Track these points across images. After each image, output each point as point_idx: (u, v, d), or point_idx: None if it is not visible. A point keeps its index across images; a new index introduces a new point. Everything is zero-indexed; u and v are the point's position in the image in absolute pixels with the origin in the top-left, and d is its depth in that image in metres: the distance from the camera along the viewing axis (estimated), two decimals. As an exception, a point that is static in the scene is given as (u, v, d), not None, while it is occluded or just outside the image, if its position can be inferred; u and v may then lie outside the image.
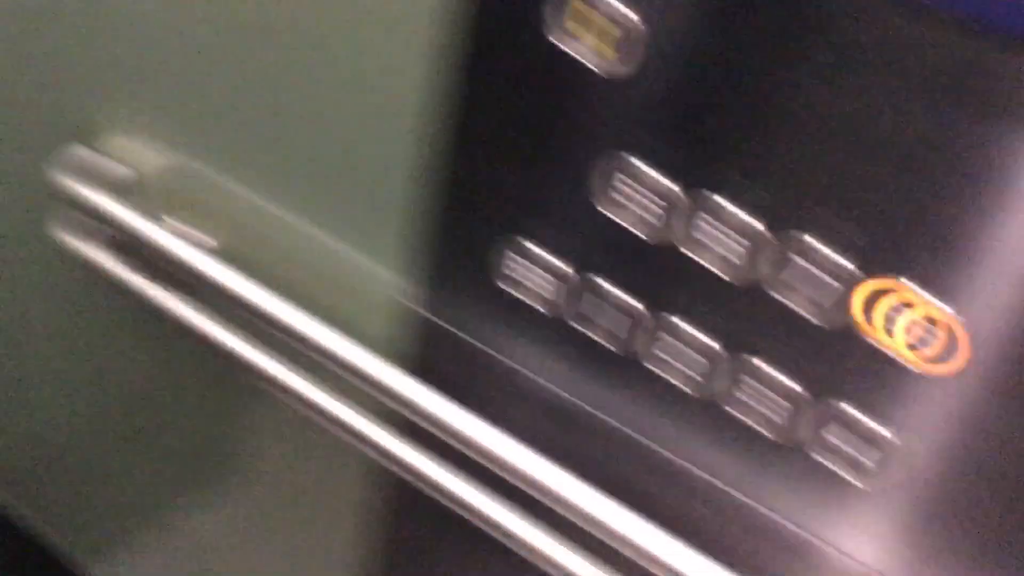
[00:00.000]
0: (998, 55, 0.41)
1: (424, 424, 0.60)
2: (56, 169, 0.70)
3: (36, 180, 0.73)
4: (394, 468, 0.64)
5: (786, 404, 0.51)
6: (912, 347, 0.47)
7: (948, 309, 0.45)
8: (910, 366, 0.47)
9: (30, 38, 0.74)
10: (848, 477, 0.51)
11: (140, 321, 0.79)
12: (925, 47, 0.42)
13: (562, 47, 0.50)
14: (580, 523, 0.57)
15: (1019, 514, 0.47)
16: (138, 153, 0.72)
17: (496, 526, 0.61)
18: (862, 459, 0.50)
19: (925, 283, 0.46)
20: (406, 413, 0.61)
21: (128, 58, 0.70)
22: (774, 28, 0.45)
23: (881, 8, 0.42)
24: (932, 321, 0.46)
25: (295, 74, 0.63)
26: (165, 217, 0.72)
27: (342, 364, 0.61)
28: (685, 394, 0.55)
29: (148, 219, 0.68)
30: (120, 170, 0.72)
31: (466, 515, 0.61)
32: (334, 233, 0.66)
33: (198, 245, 0.67)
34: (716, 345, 0.52)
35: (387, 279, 0.64)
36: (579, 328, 0.57)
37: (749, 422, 0.53)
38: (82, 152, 0.72)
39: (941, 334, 0.46)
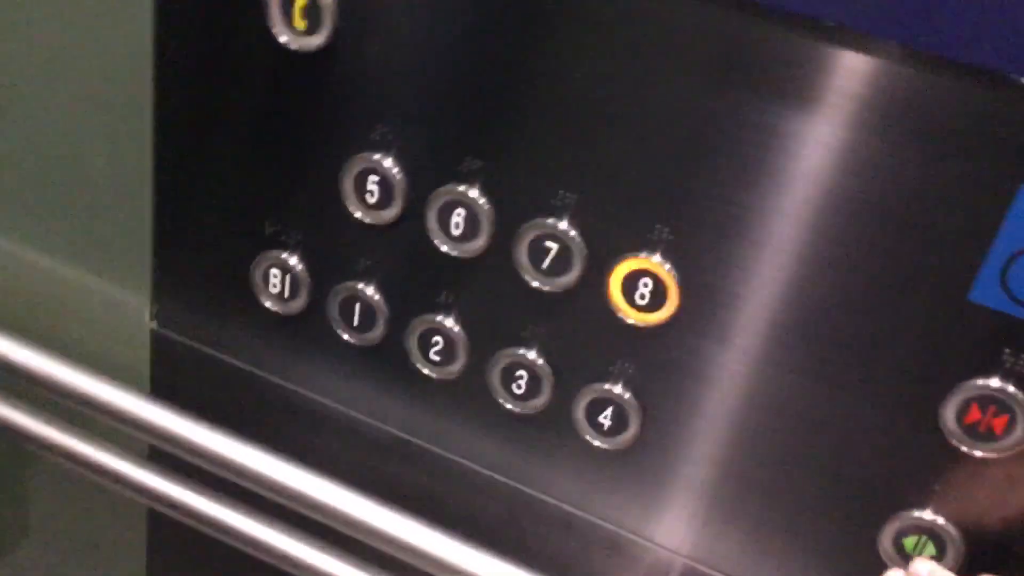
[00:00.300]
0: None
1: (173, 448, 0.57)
2: None
3: None
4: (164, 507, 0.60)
5: (537, 379, 0.53)
6: (635, 305, 0.48)
7: (666, 265, 0.47)
8: (632, 321, 0.48)
9: None
10: (599, 443, 0.52)
11: None
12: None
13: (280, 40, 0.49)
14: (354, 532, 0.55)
15: (756, 450, 0.50)
16: None
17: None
18: (606, 422, 0.52)
19: (646, 245, 0.47)
20: (154, 440, 0.58)
21: None
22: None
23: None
24: (650, 276, 0.47)
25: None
26: None
27: (84, 399, 0.57)
28: (440, 383, 0.55)
29: None
30: None
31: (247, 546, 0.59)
32: (73, 262, 0.61)
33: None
34: (461, 331, 0.53)
35: (136, 306, 0.61)
36: (347, 337, 0.56)
37: (506, 403, 0.53)
38: None
39: (656, 287, 0.47)
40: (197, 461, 0.57)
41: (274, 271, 0.56)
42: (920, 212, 0.42)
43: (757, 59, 0.42)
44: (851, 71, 0.41)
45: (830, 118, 0.42)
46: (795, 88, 0.42)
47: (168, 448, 0.58)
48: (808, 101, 0.42)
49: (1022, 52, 0.36)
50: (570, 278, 0.49)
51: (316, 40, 0.49)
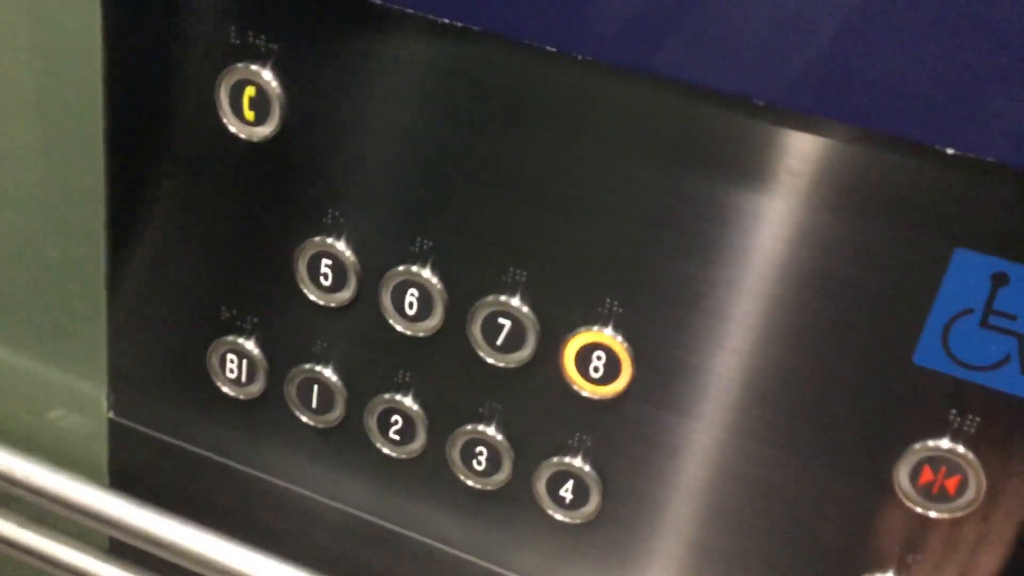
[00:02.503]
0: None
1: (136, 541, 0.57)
2: None
3: None
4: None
5: (496, 455, 0.53)
6: (589, 378, 0.48)
7: (618, 337, 0.47)
8: (587, 393, 0.49)
9: None
10: (561, 517, 0.52)
11: None
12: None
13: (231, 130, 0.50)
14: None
15: (717, 518, 0.51)
16: None
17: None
18: (568, 495, 0.52)
19: (597, 319, 0.48)
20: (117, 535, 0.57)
21: None
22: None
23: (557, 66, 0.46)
24: (603, 349, 0.48)
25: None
26: None
27: (44, 495, 0.57)
28: (401, 462, 0.55)
29: None
30: None
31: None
32: (28, 354, 0.61)
33: None
34: (419, 409, 0.53)
35: (92, 396, 0.60)
36: (306, 419, 0.56)
37: (468, 479, 0.53)
38: None
39: (609, 359, 0.48)
40: (159, 552, 0.56)
41: (231, 356, 0.56)
42: (865, 281, 0.43)
43: (705, 138, 0.43)
44: (795, 149, 0.42)
45: (776, 193, 0.43)
46: (742, 165, 0.43)
47: (129, 540, 0.57)
48: (755, 177, 0.43)
49: (945, 125, 0.38)
50: (524, 353, 0.49)
51: (265, 130, 0.50)
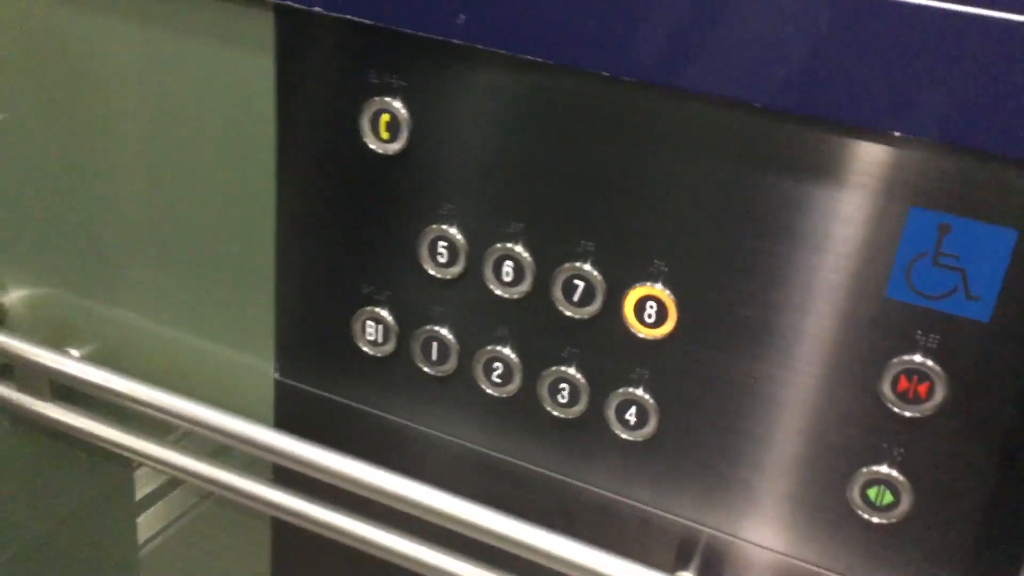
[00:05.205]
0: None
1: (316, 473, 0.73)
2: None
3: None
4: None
5: (576, 389, 0.67)
6: (645, 323, 0.63)
7: (665, 291, 0.62)
8: (644, 335, 0.63)
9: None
10: (627, 436, 0.66)
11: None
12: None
13: (368, 145, 0.67)
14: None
15: (747, 431, 0.65)
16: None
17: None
18: (632, 419, 0.66)
19: (649, 277, 0.63)
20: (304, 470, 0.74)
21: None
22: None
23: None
24: (654, 299, 0.63)
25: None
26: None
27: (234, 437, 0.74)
28: (501, 400, 0.71)
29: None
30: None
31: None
32: (205, 334, 0.79)
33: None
34: (516, 357, 0.68)
35: (261, 363, 0.78)
36: (427, 370, 0.72)
37: (553, 411, 0.68)
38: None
39: (659, 308, 0.63)
40: (314, 474, 0.73)
41: (369, 322, 0.72)
42: (845, 237, 0.57)
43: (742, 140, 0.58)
44: (802, 143, 0.57)
45: (800, 182, 0.58)
46: (762, 156, 0.58)
47: (289, 465, 0.73)
48: (767, 165, 0.58)
49: (895, 113, 0.52)
50: (594, 307, 0.65)
51: (396, 145, 0.66)
